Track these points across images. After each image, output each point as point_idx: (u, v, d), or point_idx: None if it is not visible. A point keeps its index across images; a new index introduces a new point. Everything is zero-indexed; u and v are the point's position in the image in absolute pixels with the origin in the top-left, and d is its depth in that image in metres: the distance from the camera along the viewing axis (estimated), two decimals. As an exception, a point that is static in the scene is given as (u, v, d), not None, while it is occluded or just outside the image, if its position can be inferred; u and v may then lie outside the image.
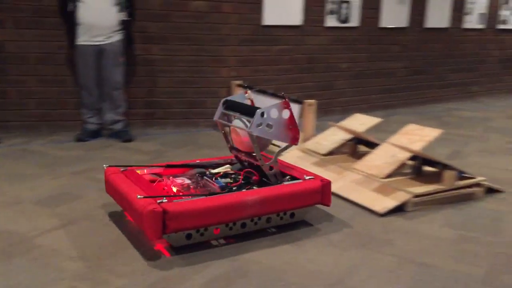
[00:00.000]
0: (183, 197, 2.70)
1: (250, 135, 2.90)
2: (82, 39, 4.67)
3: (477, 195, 3.62)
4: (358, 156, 4.17)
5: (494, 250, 2.81)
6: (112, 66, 4.79)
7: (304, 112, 4.51)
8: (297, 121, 3.07)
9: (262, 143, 3.00)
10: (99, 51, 4.71)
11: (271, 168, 3.04)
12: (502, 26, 8.28)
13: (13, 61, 4.97)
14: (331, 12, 6.22)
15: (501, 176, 4.10)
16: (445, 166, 3.58)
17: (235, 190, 2.90)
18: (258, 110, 2.85)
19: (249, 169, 3.17)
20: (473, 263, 2.65)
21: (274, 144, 3.13)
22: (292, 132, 2.97)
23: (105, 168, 3.13)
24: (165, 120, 5.55)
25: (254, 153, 3.02)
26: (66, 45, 4.88)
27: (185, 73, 5.49)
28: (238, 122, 3.06)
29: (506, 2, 8.24)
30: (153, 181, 3.08)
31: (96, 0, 4.59)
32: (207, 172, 3.24)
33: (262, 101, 4.79)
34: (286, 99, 2.94)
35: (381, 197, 3.41)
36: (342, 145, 4.36)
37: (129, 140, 4.92)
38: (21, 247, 2.68)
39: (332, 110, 6.36)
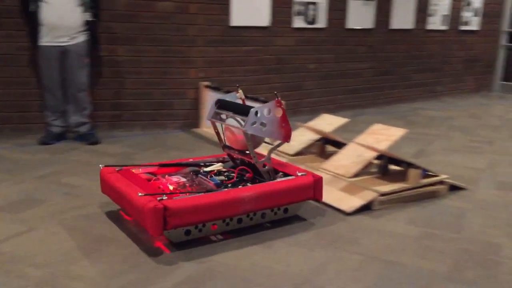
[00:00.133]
0: (181, 195, 2.77)
1: (245, 133, 2.99)
2: (45, 40, 4.58)
3: (440, 193, 3.70)
4: (326, 156, 4.21)
5: (457, 246, 2.89)
6: (77, 67, 4.71)
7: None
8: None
9: (255, 141, 3.12)
10: (63, 52, 4.62)
11: (264, 165, 3.13)
12: (464, 27, 8.51)
13: (-27, 63, 4.84)
14: (299, 13, 6.26)
15: (464, 174, 4.21)
16: (410, 165, 3.65)
17: (230, 187, 2.99)
18: (252, 109, 2.95)
19: (243, 167, 3.25)
20: (436, 259, 2.72)
21: (266, 142, 3.27)
22: (285, 130, 3.08)
23: (101, 168, 3.17)
24: (132, 122, 5.48)
25: (247, 151, 3.11)
26: (29, 46, 4.77)
27: (152, 75, 5.43)
28: (231, 121, 3.16)
29: (468, 4, 8.46)
30: (148, 180, 3.14)
31: (60, 0, 4.49)
32: (201, 170, 3.31)
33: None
34: (279, 98, 3.04)
35: (348, 196, 3.46)
36: (310, 145, 4.40)
37: (95, 142, 4.84)
38: (-19, 255, 2.61)
39: (300, 110, 6.41)
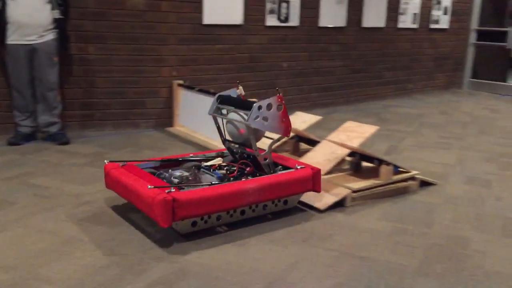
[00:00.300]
0: (187, 187, 2.86)
1: (248, 127, 3.06)
2: (12, 39, 4.47)
3: (412, 188, 3.76)
4: (300, 153, 4.23)
5: (427, 241, 2.94)
6: (46, 66, 4.61)
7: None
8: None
9: (257, 135, 3.21)
10: (31, 50, 4.52)
11: (265, 158, 3.19)
12: (434, 26, 8.66)
13: None
14: (271, 12, 6.27)
15: (434, 169, 4.29)
16: (382, 162, 3.70)
17: (232, 181, 3.10)
18: (255, 104, 3.03)
19: (245, 161, 3.31)
20: (407, 254, 2.76)
21: (266, 136, 3.38)
22: (285, 125, 3.16)
23: (106, 163, 3.22)
24: (103, 121, 5.40)
25: (247, 145, 3.20)
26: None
27: (123, 73, 5.37)
28: (234, 115, 3.22)
29: (438, 3, 8.62)
30: (153, 173, 3.20)
31: (27, -2, 4.40)
32: (203, 165, 3.38)
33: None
34: (280, 94, 3.12)
35: (321, 193, 3.47)
36: (284, 143, 4.41)
37: (65, 143, 4.76)
38: None
39: (274, 108, 6.41)
